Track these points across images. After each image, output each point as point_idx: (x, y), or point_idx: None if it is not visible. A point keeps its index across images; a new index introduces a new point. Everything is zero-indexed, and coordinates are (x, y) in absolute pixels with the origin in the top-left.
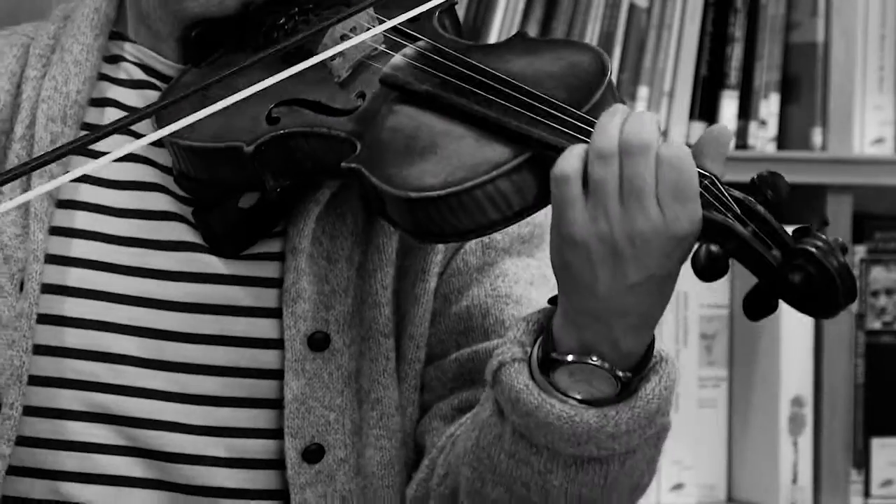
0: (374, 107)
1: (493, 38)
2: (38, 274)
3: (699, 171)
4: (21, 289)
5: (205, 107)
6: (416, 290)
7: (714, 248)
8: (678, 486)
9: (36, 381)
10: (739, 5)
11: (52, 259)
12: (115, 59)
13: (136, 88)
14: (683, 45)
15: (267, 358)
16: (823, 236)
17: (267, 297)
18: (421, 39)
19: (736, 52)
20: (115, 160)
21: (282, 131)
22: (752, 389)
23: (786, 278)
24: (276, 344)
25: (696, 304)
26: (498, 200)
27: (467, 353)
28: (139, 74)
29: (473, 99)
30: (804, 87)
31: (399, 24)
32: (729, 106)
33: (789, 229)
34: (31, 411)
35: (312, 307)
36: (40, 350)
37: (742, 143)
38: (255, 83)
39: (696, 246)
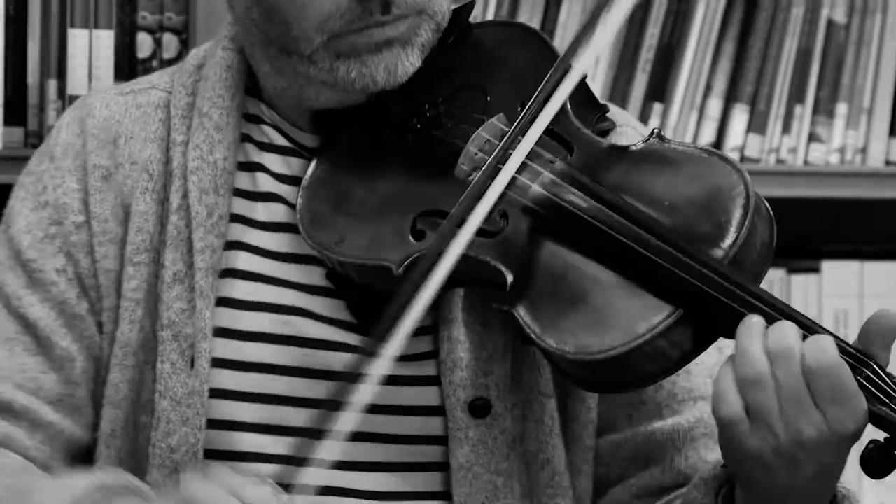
0: (518, 232)
1: (689, 55)
2: (207, 351)
3: (857, 361)
4: (192, 365)
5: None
6: None
7: (882, 440)
8: None
9: (210, 454)
10: None
11: (221, 332)
12: (254, 119)
13: (282, 154)
14: (883, 61)
15: (433, 425)
16: None
17: (426, 367)
18: (558, 161)
19: None
20: (274, 230)
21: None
22: None
23: None
24: (441, 411)
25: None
26: (655, 357)
27: (643, 433)
28: (280, 140)
29: (620, 248)
30: None
31: (537, 132)
32: None
33: None
34: None
35: (471, 374)
36: (213, 424)
37: None
38: (395, 188)
39: None
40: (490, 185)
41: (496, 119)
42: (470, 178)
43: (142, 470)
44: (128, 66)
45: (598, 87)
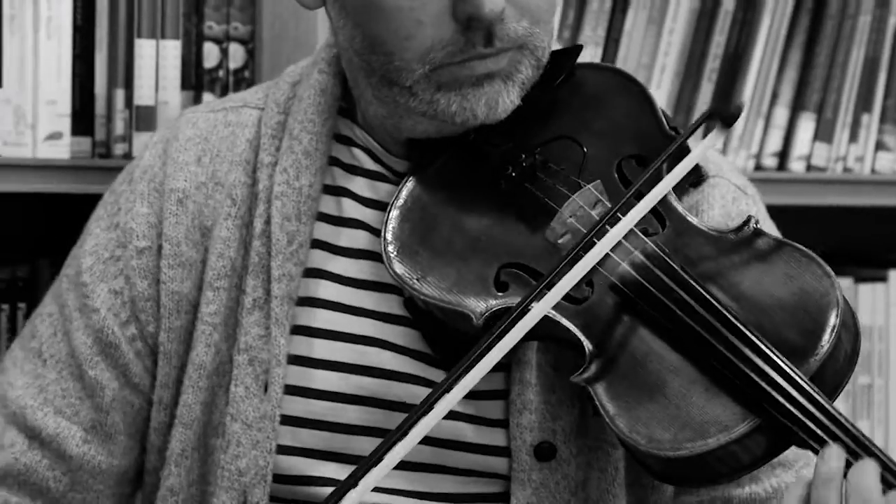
0: (603, 305)
1: (755, 63)
2: (280, 378)
3: None
4: (265, 390)
5: None
6: None
7: None
8: None
9: (279, 479)
10: None
11: (295, 360)
12: (344, 140)
13: (369, 178)
14: None
15: (497, 463)
16: None
17: (493, 409)
18: (649, 241)
19: None
20: (356, 257)
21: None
22: None
23: None
24: (505, 451)
25: None
26: (726, 460)
27: (720, 499)
28: (369, 163)
29: (705, 347)
30: None
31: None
32: None
33: None
34: None
35: (539, 417)
36: (282, 450)
37: None
38: (482, 231)
39: None
40: (580, 256)
41: (592, 187)
42: (560, 242)
43: (209, 492)
44: (194, 76)
45: (663, 96)
